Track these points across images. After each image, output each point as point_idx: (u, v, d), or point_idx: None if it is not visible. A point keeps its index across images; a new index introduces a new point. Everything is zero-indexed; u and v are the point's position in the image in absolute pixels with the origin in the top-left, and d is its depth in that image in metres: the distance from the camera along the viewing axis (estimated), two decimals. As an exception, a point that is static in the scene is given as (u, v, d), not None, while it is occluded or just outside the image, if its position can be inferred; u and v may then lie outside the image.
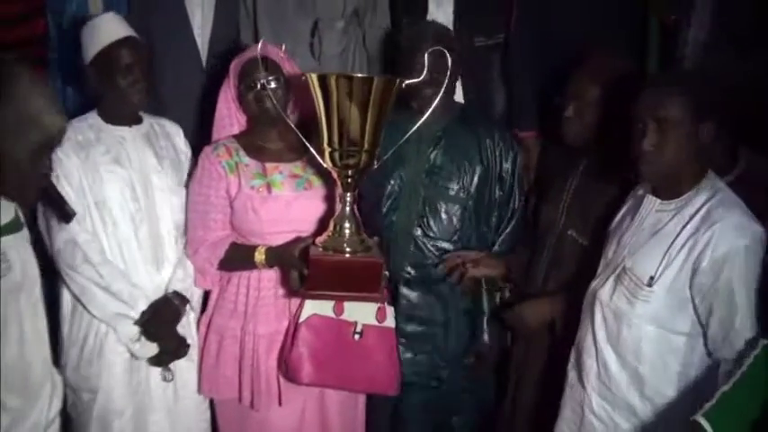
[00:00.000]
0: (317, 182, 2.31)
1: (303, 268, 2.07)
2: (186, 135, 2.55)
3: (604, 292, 2.01)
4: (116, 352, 2.29)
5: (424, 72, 2.05)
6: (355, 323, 2.25)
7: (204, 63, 2.96)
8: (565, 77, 2.37)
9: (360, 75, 2.19)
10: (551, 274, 2.44)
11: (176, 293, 2.34)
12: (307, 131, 2.15)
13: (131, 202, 2.30)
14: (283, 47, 2.34)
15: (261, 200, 2.24)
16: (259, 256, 2.21)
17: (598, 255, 2.14)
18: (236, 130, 2.37)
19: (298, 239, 2.16)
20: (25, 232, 1.80)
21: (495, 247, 2.56)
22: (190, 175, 2.42)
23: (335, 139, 1.99)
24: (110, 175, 2.28)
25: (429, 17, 2.93)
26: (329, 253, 2.02)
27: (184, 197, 2.40)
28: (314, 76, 1.96)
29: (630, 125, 1.93)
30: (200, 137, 2.62)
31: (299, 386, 2.25)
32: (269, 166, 2.29)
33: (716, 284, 1.82)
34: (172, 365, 2.35)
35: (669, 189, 1.94)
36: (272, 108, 2.22)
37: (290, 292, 2.23)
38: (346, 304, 2.24)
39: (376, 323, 2.27)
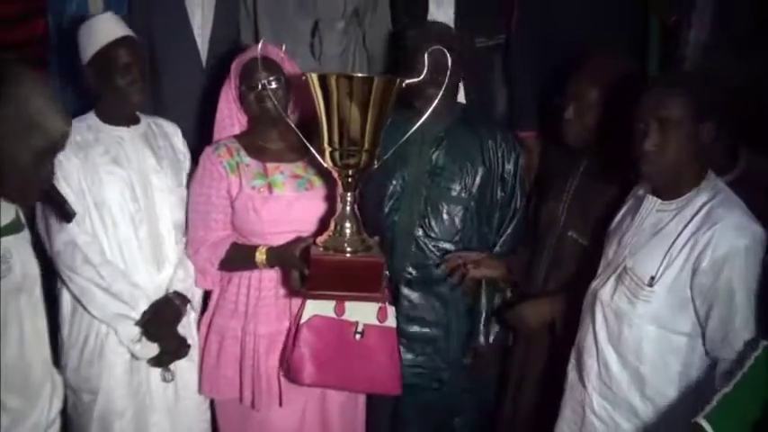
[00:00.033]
0: (318, 182, 2.31)
1: (304, 268, 2.07)
2: (186, 135, 2.55)
3: (605, 292, 2.01)
4: (117, 353, 2.29)
5: (424, 72, 2.05)
6: (356, 323, 2.25)
7: (204, 63, 2.96)
8: (565, 78, 2.37)
9: (360, 74, 2.19)
10: (551, 275, 2.44)
11: (177, 293, 2.34)
12: (308, 132, 2.15)
13: (131, 203, 2.30)
14: (283, 47, 2.33)
15: (262, 200, 2.24)
16: (260, 256, 2.21)
17: (598, 255, 2.14)
18: (237, 131, 2.37)
19: (298, 239, 2.16)
20: (26, 233, 1.80)
21: (497, 248, 2.56)
22: (189, 174, 2.42)
23: (336, 138, 1.99)
24: (109, 176, 2.27)
25: (429, 18, 2.93)
26: (330, 253, 2.02)
27: (184, 197, 2.40)
28: (314, 76, 1.96)
29: (631, 125, 1.93)
30: (200, 137, 2.62)
31: (299, 386, 2.25)
32: (270, 166, 2.29)
33: (716, 284, 1.82)
34: (172, 366, 2.34)
35: (670, 189, 1.95)
36: (273, 108, 2.22)
37: (291, 293, 2.23)
38: (347, 304, 2.24)
39: (377, 323, 2.27)
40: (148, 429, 2.35)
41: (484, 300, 2.55)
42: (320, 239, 2.06)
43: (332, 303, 2.23)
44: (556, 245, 2.43)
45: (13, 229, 1.71)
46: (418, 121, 2.13)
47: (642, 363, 1.93)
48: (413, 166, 2.52)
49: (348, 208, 2.05)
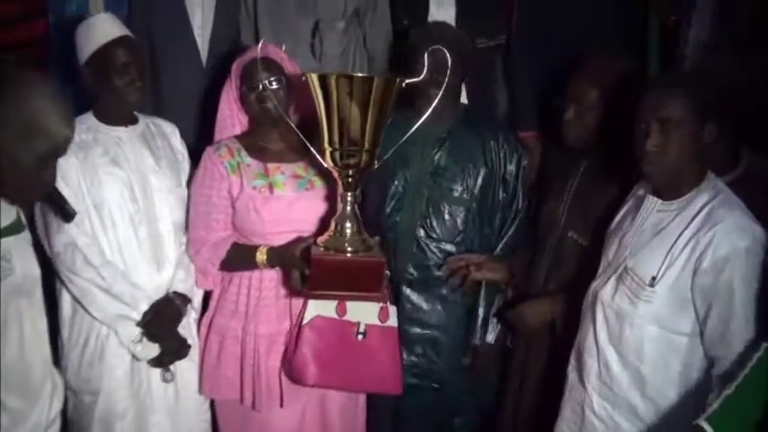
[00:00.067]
0: (318, 182, 2.31)
1: (305, 268, 2.07)
2: (187, 135, 2.55)
3: (606, 292, 2.01)
4: (117, 354, 2.28)
5: (424, 71, 2.05)
6: (358, 323, 2.25)
7: (204, 63, 2.96)
8: (565, 78, 2.37)
9: (360, 74, 2.19)
10: (552, 275, 2.44)
11: (177, 293, 2.33)
12: (308, 132, 2.14)
13: (130, 203, 2.29)
14: (283, 47, 2.33)
15: (263, 200, 2.24)
16: (261, 256, 2.21)
17: (598, 255, 2.14)
18: (238, 131, 2.37)
19: (299, 239, 2.16)
20: (27, 234, 1.80)
21: (498, 249, 2.56)
22: (189, 174, 2.42)
23: (336, 138, 1.99)
24: (108, 176, 2.27)
25: (430, 18, 2.94)
26: (330, 253, 2.02)
27: (183, 197, 2.40)
28: (314, 76, 1.96)
29: (633, 126, 1.93)
30: (200, 137, 2.62)
31: (300, 387, 2.25)
32: (271, 166, 2.29)
33: (716, 284, 1.83)
34: (172, 366, 2.34)
35: (670, 189, 1.95)
36: (274, 109, 2.22)
37: (292, 293, 2.23)
38: (349, 305, 2.24)
39: (379, 323, 2.27)
40: (149, 430, 2.34)
41: (483, 300, 2.54)
42: (321, 239, 2.06)
43: (333, 304, 2.23)
44: (556, 245, 2.43)
45: (13, 229, 1.71)
46: (418, 121, 2.13)
47: (643, 363, 1.93)
48: (415, 166, 2.52)
49: (348, 208, 2.05)
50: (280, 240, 2.22)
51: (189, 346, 2.34)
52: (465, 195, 2.52)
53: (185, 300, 2.35)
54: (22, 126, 1.56)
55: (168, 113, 2.66)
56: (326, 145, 2.01)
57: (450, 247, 2.52)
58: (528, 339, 2.49)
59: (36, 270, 1.79)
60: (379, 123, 1.98)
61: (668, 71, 2.90)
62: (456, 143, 2.52)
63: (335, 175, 2.06)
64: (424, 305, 2.54)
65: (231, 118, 2.36)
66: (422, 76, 2.04)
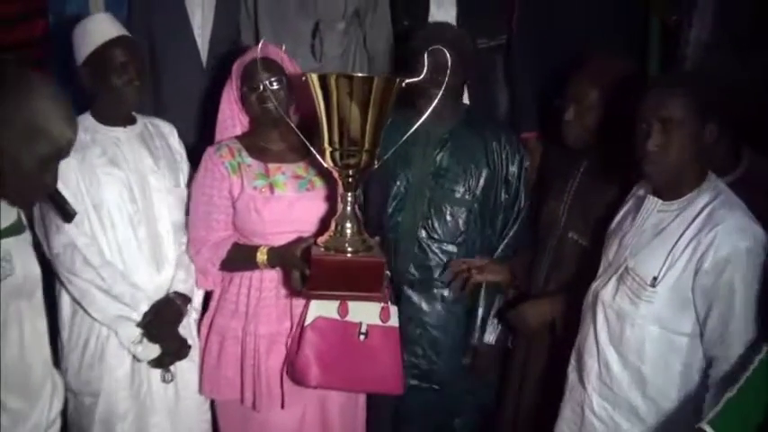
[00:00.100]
0: (319, 183, 2.30)
1: (305, 268, 2.07)
2: (187, 135, 2.54)
3: (607, 292, 2.01)
4: (118, 355, 2.28)
5: (424, 71, 2.05)
6: (360, 324, 2.25)
7: (204, 64, 2.96)
8: (566, 79, 2.37)
9: (360, 74, 2.19)
10: (552, 276, 2.44)
11: (178, 294, 2.33)
12: (309, 132, 2.14)
13: (129, 204, 2.29)
14: (283, 47, 2.33)
15: (263, 200, 2.24)
16: (261, 256, 2.21)
17: (599, 256, 2.14)
18: (238, 131, 2.37)
19: (299, 240, 2.16)
20: (27, 235, 1.79)
21: (499, 250, 2.56)
22: (187, 174, 2.42)
23: (336, 138, 1.99)
24: (107, 177, 2.26)
25: (431, 18, 2.94)
26: (331, 253, 2.02)
27: (181, 197, 2.40)
28: (314, 76, 1.96)
29: (634, 126, 1.93)
30: (200, 137, 2.62)
31: (301, 388, 2.25)
32: (271, 166, 2.29)
33: (717, 285, 1.83)
34: (172, 367, 2.33)
35: (671, 190, 1.95)
36: (275, 109, 2.22)
37: (292, 293, 2.23)
38: (350, 305, 2.24)
39: (380, 323, 2.27)
40: (149, 431, 2.34)
41: (483, 300, 2.54)
42: (321, 240, 2.06)
43: (335, 305, 2.23)
44: (556, 246, 2.43)
45: (14, 230, 1.70)
46: (419, 121, 2.12)
47: (644, 363, 1.93)
48: (417, 167, 2.52)
49: (349, 208, 2.05)
50: (280, 240, 2.22)
51: (189, 347, 2.34)
52: (467, 196, 2.51)
53: (186, 300, 2.35)
54: (23, 128, 1.55)
55: (168, 114, 2.66)
56: (326, 145, 2.01)
57: (451, 248, 2.52)
58: (528, 340, 2.49)
59: (37, 271, 1.79)
60: (379, 123, 1.98)
61: (669, 71, 2.90)
62: (458, 144, 2.52)
63: (335, 175, 2.06)
64: (425, 306, 2.54)
65: (232, 118, 2.36)
66: (422, 77, 2.04)
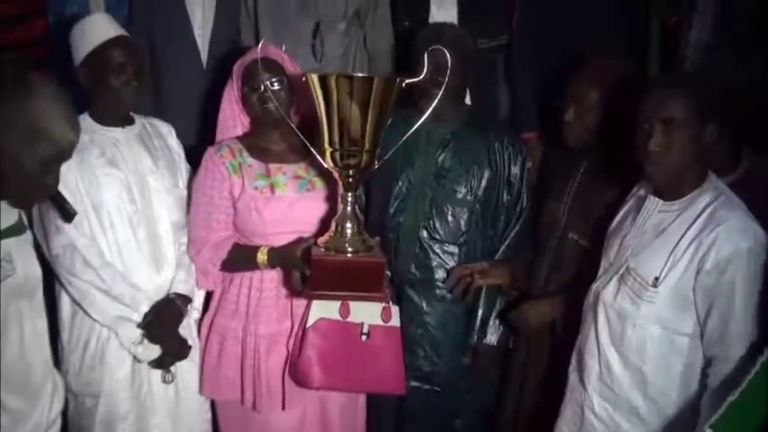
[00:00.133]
0: (319, 183, 2.30)
1: (305, 269, 2.07)
2: (187, 136, 2.54)
3: (608, 292, 2.01)
4: (118, 356, 2.27)
5: (424, 71, 2.05)
6: (362, 324, 2.25)
7: (205, 64, 2.96)
8: (566, 79, 2.37)
9: (360, 74, 2.19)
10: (552, 276, 2.44)
11: (178, 294, 2.33)
12: (310, 133, 2.14)
13: (128, 204, 2.29)
14: (284, 47, 2.33)
15: (264, 200, 2.24)
16: (261, 256, 2.20)
17: (599, 256, 2.14)
18: (239, 132, 2.36)
19: (300, 240, 2.16)
20: (28, 235, 1.79)
21: (501, 251, 2.56)
22: (187, 174, 2.42)
23: (336, 139, 1.98)
24: (106, 177, 2.26)
25: (431, 19, 2.93)
26: (331, 253, 2.01)
27: (180, 197, 2.40)
28: (314, 77, 1.96)
29: (635, 126, 1.93)
30: (200, 137, 2.62)
31: (300, 388, 2.25)
32: (272, 167, 2.29)
33: (718, 285, 1.83)
34: (173, 367, 2.33)
35: (672, 190, 1.95)
36: (276, 110, 2.22)
37: (293, 293, 2.23)
38: (352, 306, 2.24)
39: (382, 323, 2.27)
40: (150, 431, 2.34)
41: (483, 301, 2.54)
42: (321, 240, 2.06)
43: (337, 306, 2.23)
44: (557, 246, 2.43)
45: (15, 231, 1.70)
46: (419, 121, 2.12)
47: (645, 363, 1.93)
48: (419, 167, 2.52)
49: (349, 208, 2.05)
50: (281, 241, 2.22)
51: (189, 347, 2.34)
52: (468, 197, 2.51)
53: (186, 300, 2.34)
54: (25, 129, 1.55)
55: (168, 114, 2.66)
56: (327, 145, 2.01)
57: (452, 249, 2.52)
58: (529, 340, 2.49)
59: (38, 271, 1.79)
60: (380, 123, 1.98)
61: (669, 72, 2.90)
62: (460, 144, 2.52)
63: (336, 175, 2.06)
64: (426, 306, 2.54)
65: (233, 119, 2.36)
66: (422, 77, 2.04)
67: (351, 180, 2.04)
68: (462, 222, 2.52)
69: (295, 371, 2.23)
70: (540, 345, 2.45)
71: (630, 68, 2.39)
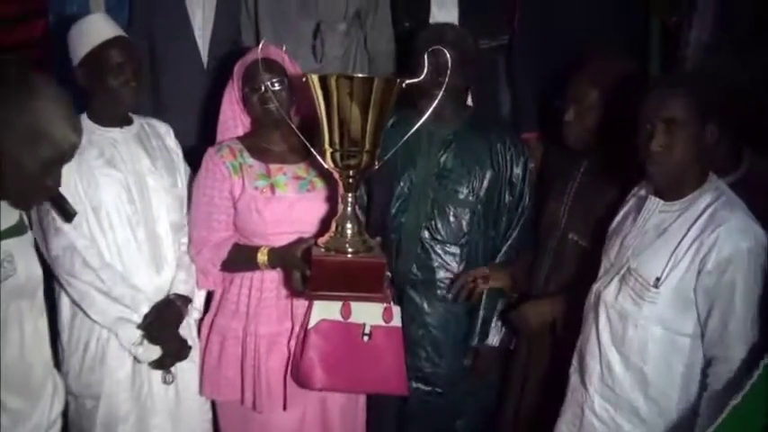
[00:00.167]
0: (320, 183, 2.30)
1: (305, 269, 2.07)
2: (187, 136, 2.54)
3: (609, 292, 2.01)
4: (118, 357, 2.27)
5: (424, 72, 2.05)
6: (363, 325, 2.25)
7: (205, 64, 2.95)
8: (566, 79, 2.37)
9: (360, 75, 2.19)
10: (552, 277, 2.44)
11: (178, 295, 2.32)
12: (310, 133, 2.14)
13: (128, 205, 2.28)
14: (284, 47, 2.33)
15: (264, 201, 2.24)
16: (262, 257, 2.20)
17: (599, 256, 2.14)
18: (240, 132, 2.36)
19: (300, 240, 2.16)
20: (29, 235, 1.79)
21: (502, 252, 2.56)
22: (184, 174, 2.42)
23: (336, 139, 1.99)
24: (105, 178, 2.25)
25: (432, 19, 2.93)
26: (331, 253, 2.01)
27: (179, 197, 2.40)
28: (314, 77, 1.96)
29: (636, 126, 1.93)
30: (201, 138, 2.62)
31: (301, 389, 2.25)
32: (273, 167, 2.29)
33: (719, 285, 1.83)
34: (173, 368, 2.32)
35: (673, 190, 1.95)
36: (276, 110, 2.22)
37: (293, 293, 2.23)
38: (353, 306, 2.24)
39: (383, 324, 2.27)
40: (150, 432, 2.35)
41: (484, 302, 2.54)
42: (322, 240, 2.06)
43: (338, 306, 2.23)
44: (557, 247, 2.43)
45: (16, 231, 1.70)
46: (423, 122, 2.12)
47: (646, 363, 1.93)
48: (421, 167, 2.52)
49: (349, 209, 2.05)
50: (281, 241, 2.22)
51: (190, 348, 2.33)
52: (470, 198, 2.51)
53: (186, 301, 2.34)
54: (25, 131, 1.54)
55: (168, 114, 2.65)
56: (327, 146, 2.01)
57: (454, 249, 2.53)
58: (529, 341, 2.49)
59: (39, 271, 1.78)
60: (380, 124, 1.98)
61: (669, 72, 2.90)
62: (462, 145, 2.52)
63: (336, 176, 2.06)
64: (427, 307, 2.54)
65: (234, 119, 2.36)
66: (422, 77, 2.04)
67: (351, 180, 2.04)
68: (464, 223, 2.52)
69: (297, 372, 2.23)
70: (541, 345, 2.45)
71: (631, 69, 2.39)
